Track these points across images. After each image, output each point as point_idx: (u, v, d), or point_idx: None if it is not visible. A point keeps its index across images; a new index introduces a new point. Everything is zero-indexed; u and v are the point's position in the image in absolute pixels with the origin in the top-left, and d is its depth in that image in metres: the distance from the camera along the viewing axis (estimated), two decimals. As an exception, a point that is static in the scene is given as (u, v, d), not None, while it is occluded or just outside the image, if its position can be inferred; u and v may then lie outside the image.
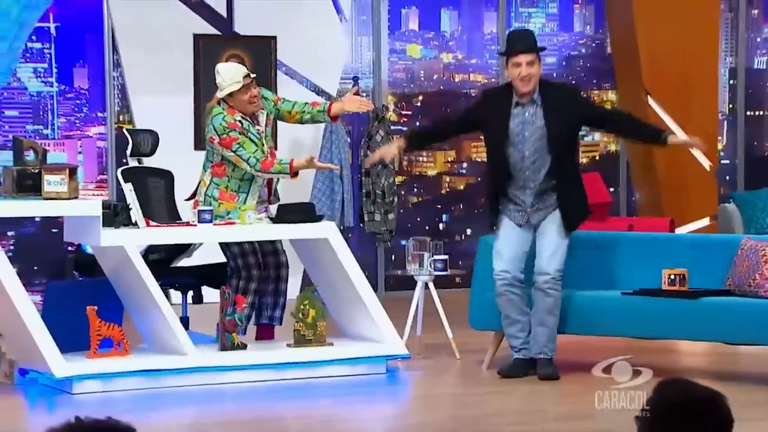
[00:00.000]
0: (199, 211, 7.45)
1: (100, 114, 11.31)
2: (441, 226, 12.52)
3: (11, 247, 11.16)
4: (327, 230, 7.68)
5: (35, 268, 11.20)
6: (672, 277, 7.30)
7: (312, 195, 10.94)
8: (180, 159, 10.85)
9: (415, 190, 12.56)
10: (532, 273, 7.44)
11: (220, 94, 7.72)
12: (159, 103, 10.98)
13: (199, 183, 7.94)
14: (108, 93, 11.22)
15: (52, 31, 11.21)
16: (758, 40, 13.52)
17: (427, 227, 12.40)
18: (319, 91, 11.49)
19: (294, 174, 7.61)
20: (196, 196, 7.90)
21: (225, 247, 7.89)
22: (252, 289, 7.86)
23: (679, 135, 7.64)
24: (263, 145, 7.73)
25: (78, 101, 11.46)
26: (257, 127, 7.78)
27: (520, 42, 7.48)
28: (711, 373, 7.75)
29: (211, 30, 11.25)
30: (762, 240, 7.36)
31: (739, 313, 7.07)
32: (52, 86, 11.29)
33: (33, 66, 11.23)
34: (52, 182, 7.02)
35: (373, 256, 11.76)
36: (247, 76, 7.67)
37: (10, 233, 11.11)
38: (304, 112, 7.99)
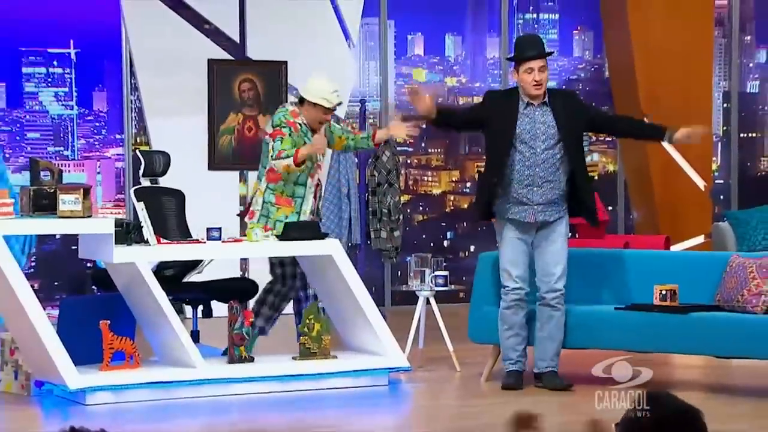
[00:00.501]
0: (208, 229, 7.42)
1: (118, 136, 11.31)
2: (446, 243, 12.49)
3: (33, 264, 11.17)
4: (331, 247, 7.65)
5: (56, 283, 11.20)
6: (663, 292, 7.25)
7: (321, 213, 10.89)
8: (194, 178, 10.88)
9: (421, 208, 12.54)
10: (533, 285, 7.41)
11: (305, 94, 7.78)
12: (174, 125, 10.99)
13: (253, 195, 8.03)
14: (126, 116, 11.22)
15: (73, 56, 11.23)
16: (750, 65, 13.49)
17: (432, 244, 12.36)
18: (328, 114, 11.44)
19: (299, 163, 7.66)
20: (251, 207, 7.96)
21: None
22: (290, 297, 8.05)
23: (682, 129, 7.44)
24: (314, 155, 7.80)
25: (97, 123, 11.48)
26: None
27: (532, 47, 7.37)
28: (703, 386, 7.71)
29: (224, 55, 11.25)
30: (750, 257, 7.32)
31: (728, 327, 7.02)
32: (72, 109, 11.31)
33: (54, 90, 11.24)
34: (67, 201, 7.01)
35: (380, 272, 11.72)
36: (339, 104, 7.98)
37: (32, 251, 11.11)
38: (349, 138, 8.14)
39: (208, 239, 7.41)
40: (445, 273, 8.23)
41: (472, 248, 12.32)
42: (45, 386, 7.29)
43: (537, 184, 7.27)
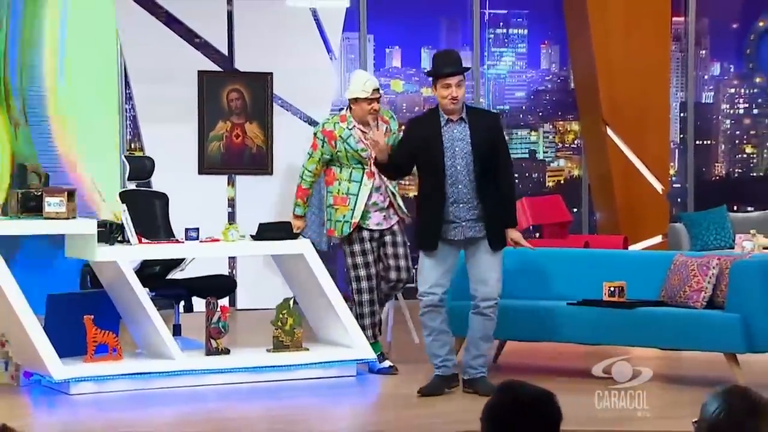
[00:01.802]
0: (186, 229, 7.32)
1: (114, 142, 11.18)
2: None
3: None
4: (302, 247, 7.55)
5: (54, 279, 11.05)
6: (612, 289, 7.17)
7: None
8: (185, 182, 10.80)
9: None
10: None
11: (347, 96, 7.58)
12: (166, 132, 10.90)
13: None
14: (121, 123, 11.11)
15: (72, 68, 11.08)
16: (706, 77, 13.43)
17: (409, 243, 12.22)
18: (311, 122, 11.37)
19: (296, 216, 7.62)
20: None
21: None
22: (365, 300, 7.54)
23: (520, 239, 6.93)
24: (362, 156, 7.43)
25: (94, 131, 11.33)
26: (367, 136, 7.33)
27: (449, 64, 6.82)
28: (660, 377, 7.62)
29: (213, 67, 11.15)
30: (691, 256, 7.24)
31: (671, 321, 6.95)
32: (71, 117, 11.15)
33: (54, 99, 11.10)
34: (52, 203, 6.90)
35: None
36: (376, 90, 7.47)
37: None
38: None
39: (186, 239, 7.31)
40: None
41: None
42: (33, 377, 7.20)
43: (462, 200, 6.75)
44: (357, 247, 7.51)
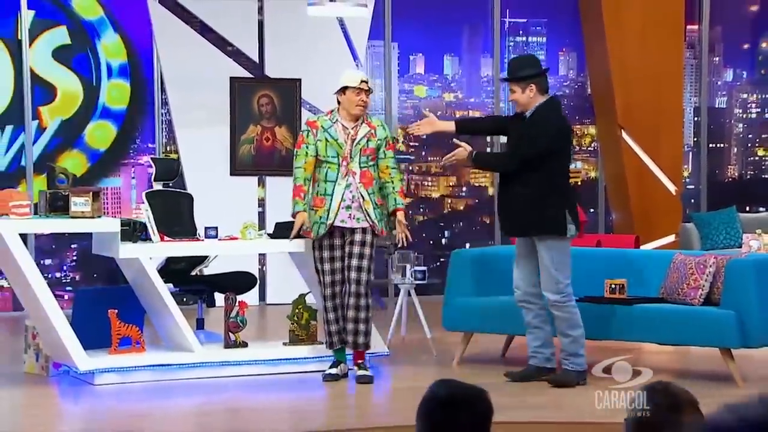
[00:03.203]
0: (205, 228, 7.29)
1: (150, 145, 11.19)
2: (444, 241, 12.29)
3: (74, 257, 11.07)
4: (311, 244, 7.46)
5: (95, 275, 11.10)
6: (613, 286, 7.06)
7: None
8: (218, 183, 10.80)
9: (421, 210, 12.34)
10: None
11: (339, 86, 7.12)
12: (200, 136, 10.89)
13: None
14: (157, 127, 11.12)
15: (111, 74, 11.11)
16: (719, 83, 13.24)
17: (431, 242, 12.18)
18: (337, 126, 11.31)
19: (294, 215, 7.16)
20: None
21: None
22: (328, 306, 7.10)
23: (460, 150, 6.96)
24: (341, 148, 7.04)
25: (132, 134, 11.35)
26: (348, 131, 7.07)
27: (507, 72, 7.05)
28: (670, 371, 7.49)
29: (245, 73, 11.13)
30: (690, 255, 7.12)
31: (668, 318, 6.83)
32: (110, 121, 11.19)
33: (94, 104, 11.13)
34: (78, 203, 6.88)
35: (383, 267, 11.52)
36: (365, 82, 7.10)
37: (73, 246, 11.02)
38: (387, 183, 7.15)
39: (205, 237, 7.26)
40: (423, 268, 8.04)
41: (467, 245, 12.11)
42: (62, 368, 7.19)
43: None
44: (325, 254, 7.08)
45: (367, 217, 7.08)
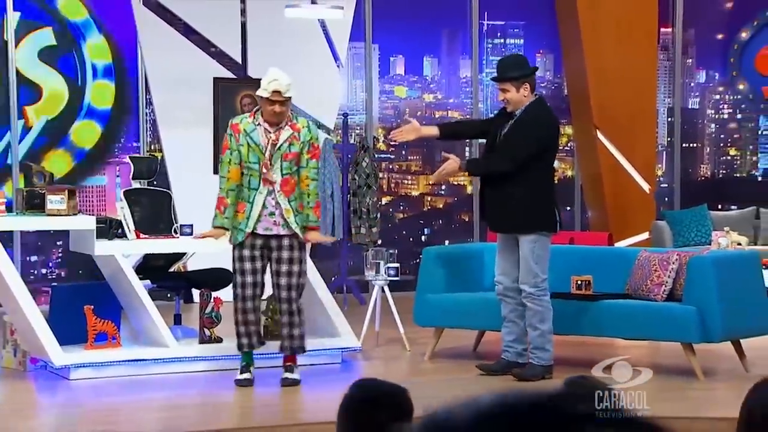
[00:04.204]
0: (180, 225, 7.21)
1: (135, 144, 11.12)
2: (423, 237, 12.24)
3: (60, 255, 11.00)
4: (289, 242, 7.40)
5: (80, 272, 11.01)
6: (579, 282, 7.00)
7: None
8: (201, 181, 10.70)
9: (401, 207, 12.29)
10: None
11: (257, 92, 6.63)
12: (184, 135, 10.81)
13: None
14: (141, 127, 11.05)
15: (96, 75, 11.03)
16: (692, 84, 13.21)
17: (411, 239, 12.12)
18: (319, 125, 11.25)
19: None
20: None
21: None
22: (239, 307, 6.70)
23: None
24: (262, 153, 6.56)
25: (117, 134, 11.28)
26: (270, 135, 6.58)
27: (497, 71, 6.87)
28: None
29: (228, 74, 11.05)
30: (654, 252, 7.08)
31: (632, 313, 6.78)
32: (95, 121, 11.11)
33: (80, 104, 11.05)
34: (54, 201, 6.81)
35: (362, 263, 11.46)
36: (277, 92, 6.50)
37: (59, 243, 10.94)
38: (304, 194, 6.69)
39: (180, 234, 7.19)
40: (397, 265, 7.97)
41: (446, 242, 12.06)
42: (39, 363, 7.12)
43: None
44: (245, 252, 6.63)
45: (287, 227, 6.64)
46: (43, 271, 11.01)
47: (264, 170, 6.56)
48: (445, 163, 6.83)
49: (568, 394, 1.15)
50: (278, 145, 6.59)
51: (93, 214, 9.49)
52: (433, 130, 7.09)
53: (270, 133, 6.60)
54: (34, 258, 10.99)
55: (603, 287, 7.06)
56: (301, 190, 6.67)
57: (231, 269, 6.75)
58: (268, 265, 6.70)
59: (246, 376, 6.75)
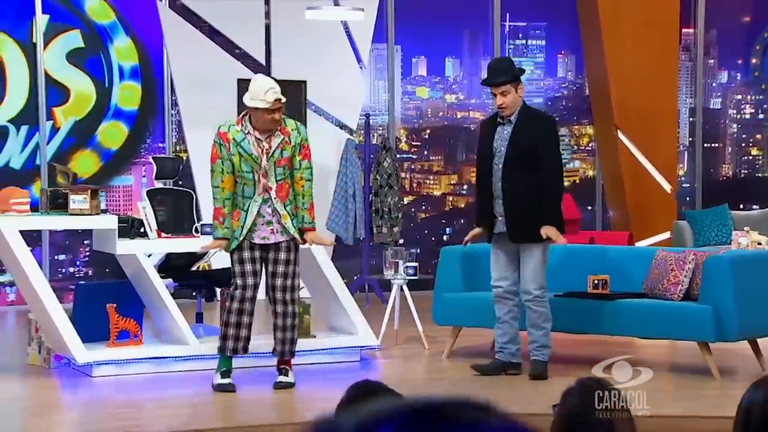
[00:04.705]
0: (202, 225, 7.22)
1: (161, 144, 11.14)
2: (444, 237, 12.20)
3: (87, 253, 11.03)
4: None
5: (107, 270, 11.04)
6: (596, 282, 6.96)
7: (329, 212, 10.68)
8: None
9: (423, 207, 12.26)
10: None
11: (245, 102, 6.41)
12: (208, 136, 10.72)
13: None
14: (167, 127, 11.07)
15: (123, 77, 11.07)
16: (714, 85, 13.10)
17: (432, 239, 12.08)
18: (342, 126, 11.26)
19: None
20: None
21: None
22: (232, 308, 6.55)
23: (553, 233, 6.60)
24: (256, 163, 6.41)
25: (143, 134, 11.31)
26: (262, 144, 6.41)
27: (495, 75, 6.66)
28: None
29: (252, 75, 11.00)
30: (671, 251, 7.02)
31: (648, 312, 6.73)
32: (122, 122, 11.15)
33: (107, 105, 11.10)
34: (77, 201, 6.83)
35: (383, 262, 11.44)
36: (278, 101, 6.33)
37: (86, 242, 10.97)
38: (299, 196, 6.58)
39: (202, 234, 7.20)
40: (415, 264, 7.95)
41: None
42: (63, 360, 7.14)
43: (500, 197, 6.66)
44: (245, 254, 6.49)
45: (286, 233, 6.51)
46: (71, 269, 11.05)
47: (262, 179, 6.42)
48: (552, 236, 6.59)
49: (462, 401, 1.14)
50: (271, 153, 6.43)
51: (119, 214, 9.54)
52: (477, 231, 6.92)
53: (261, 141, 6.41)
54: (62, 257, 11.03)
55: (621, 287, 7.01)
56: (296, 192, 6.54)
57: (231, 272, 6.56)
58: (263, 269, 6.57)
59: (228, 381, 6.56)
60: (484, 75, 6.84)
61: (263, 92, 6.34)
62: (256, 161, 6.41)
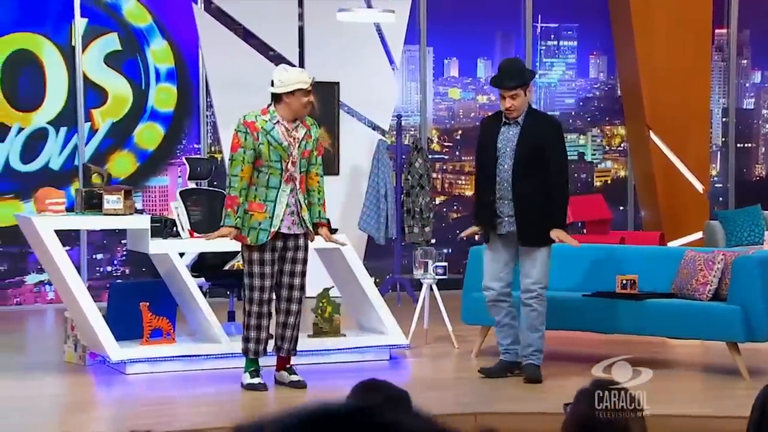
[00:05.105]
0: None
1: (196, 145, 11.19)
2: (476, 237, 12.12)
3: (124, 253, 11.09)
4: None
5: (143, 269, 11.09)
6: (624, 282, 6.91)
7: (361, 212, 10.68)
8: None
9: (455, 207, 12.23)
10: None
11: (281, 90, 6.37)
12: (243, 137, 10.83)
13: None
14: (202, 129, 11.11)
15: (159, 79, 11.13)
16: (747, 85, 12.97)
17: (464, 238, 12.03)
18: (374, 127, 11.26)
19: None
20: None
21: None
22: (253, 311, 6.51)
23: (563, 237, 6.56)
24: (285, 152, 6.39)
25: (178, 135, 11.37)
26: (292, 134, 6.42)
27: (506, 78, 6.58)
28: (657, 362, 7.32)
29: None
30: (700, 252, 6.95)
31: (677, 312, 6.68)
32: (158, 123, 11.21)
33: (143, 107, 11.16)
34: (111, 201, 6.87)
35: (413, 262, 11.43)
36: (312, 84, 6.46)
37: (123, 241, 11.03)
38: (313, 192, 6.56)
39: (233, 233, 7.19)
40: (445, 263, 7.94)
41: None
42: (97, 357, 7.19)
43: (506, 197, 6.61)
44: (266, 256, 6.43)
45: (303, 224, 6.49)
46: (108, 268, 11.12)
47: (291, 168, 6.39)
48: (564, 239, 6.54)
49: (381, 404, 1.13)
50: (298, 143, 6.44)
51: (155, 214, 9.59)
52: (475, 229, 6.95)
53: (290, 131, 6.42)
54: (99, 256, 11.10)
55: (650, 287, 6.96)
56: (311, 188, 6.51)
57: (245, 272, 6.47)
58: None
59: (258, 380, 6.57)
60: (482, 74, 6.77)
61: (298, 74, 6.46)
62: (286, 150, 6.39)
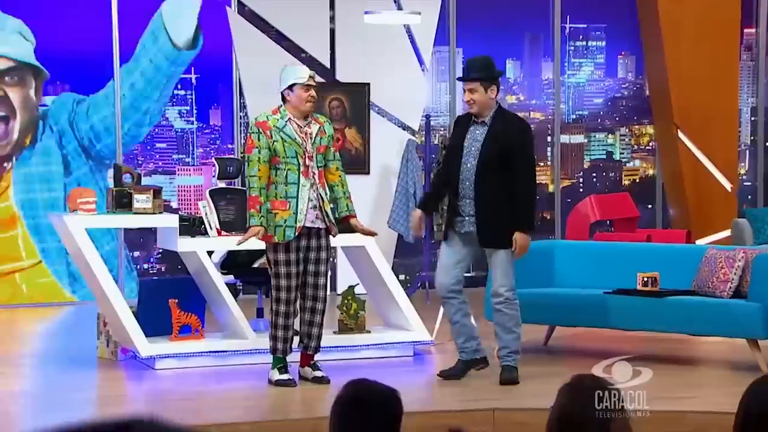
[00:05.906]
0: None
1: (229, 146, 11.23)
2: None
3: (159, 250, 11.16)
4: (364, 239, 7.39)
5: (178, 267, 11.14)
6: (645, 279, 6.85)
7: (391, 211, 10.67)
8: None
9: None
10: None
11: (281, 87, 6.51)
12: (275, 137, 10.85)
13: None
14: (236, 129, 11.15)
15: (193, 80, 11.18)
16: (775, 84, 12.84)
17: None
18: (404, 127, 11.25)
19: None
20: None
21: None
22: (281, 311, 6.48)
23: (522, 242, 6.32)
24: (300, 147, 6.38)
25: (213, 136, 11.42)
26: (305, 129, 6.45)
27: (466, 70, 6.48)
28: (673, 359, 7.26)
29: (317, 78, 11.02)
30: (721, 249, 6.88)
31: (698, 309, 6.62)
32: (192, 124, 11.26)
33: (178, 108, 11.22)
34: (140, 200, 6.91)
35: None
36: (312, 78, 6.49)
37: (158, 239, 11.10)
38: (336, 186, 6.58)
39: (260, 232, 7.21)
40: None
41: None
42: (129, 353, 7.23)
43: (467, 196, 6.42)
44: (291, 256, 6.40)
45: (326, 219, 6.47)
46: (145, 266, 11.20)
47: (308, 162, 6.38)
48: (519, 246, 6.34)
49: (141, 421, 1.11)
50: (312, 139, 6.44)
51: (188, 213, 9.64)
52: (417, 213, 6.69)
53: (302, 127, 6.44)
54: (136, 253, 11.18)
55: (671, 284, 6.90)
56: (333, 183, 6.52)
57: (272, 270, 6.44)
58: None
59: (287, 376, 6.57)
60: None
61: (297, 71, 6.50)
62: (301, 145, 6.39)
